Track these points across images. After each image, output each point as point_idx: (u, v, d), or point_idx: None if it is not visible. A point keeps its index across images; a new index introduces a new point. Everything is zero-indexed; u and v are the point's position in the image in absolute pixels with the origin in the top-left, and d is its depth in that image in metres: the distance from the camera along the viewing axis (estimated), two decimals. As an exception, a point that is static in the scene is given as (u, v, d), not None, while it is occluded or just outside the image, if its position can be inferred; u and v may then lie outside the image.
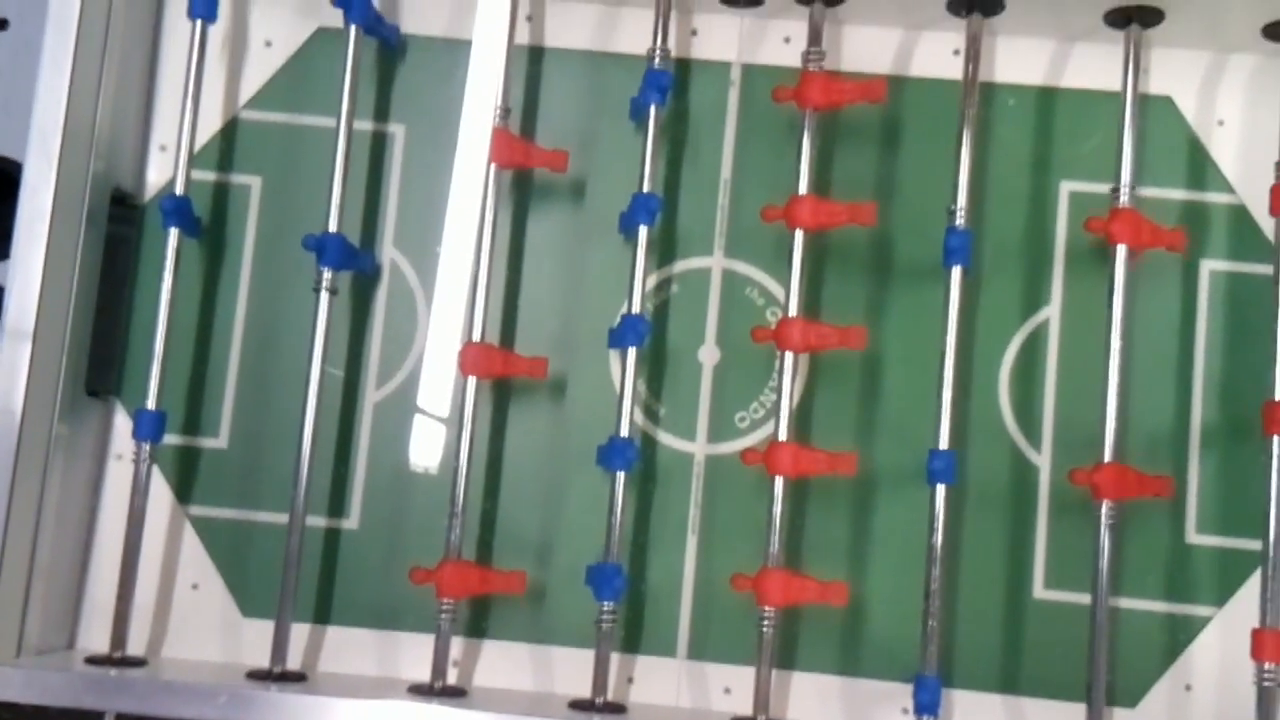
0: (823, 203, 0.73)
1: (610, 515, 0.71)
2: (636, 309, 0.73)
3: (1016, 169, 0.78)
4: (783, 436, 0.71)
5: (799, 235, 0.73)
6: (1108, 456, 0.70)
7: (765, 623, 0.70)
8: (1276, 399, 0.70)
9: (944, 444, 0.70)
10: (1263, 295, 0.73)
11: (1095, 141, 0.77)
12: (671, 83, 0.75)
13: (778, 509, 0.70)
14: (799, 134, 0.73)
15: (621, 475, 0.71)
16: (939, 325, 0.72)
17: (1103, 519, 0.70)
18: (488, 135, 0.74)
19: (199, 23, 0.75)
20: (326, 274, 0.73)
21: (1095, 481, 0.70)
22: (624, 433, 0.72)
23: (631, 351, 0.72)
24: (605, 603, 0.71)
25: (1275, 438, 0.70)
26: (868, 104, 0.74)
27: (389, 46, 0.79)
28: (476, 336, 0.73)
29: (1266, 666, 0.68)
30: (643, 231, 0.73)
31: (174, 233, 0.74)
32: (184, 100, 0.75)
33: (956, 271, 0.72)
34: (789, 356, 0.72)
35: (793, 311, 0.72)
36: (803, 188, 0.73)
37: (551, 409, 0.77)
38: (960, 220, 0.72)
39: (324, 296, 0.73)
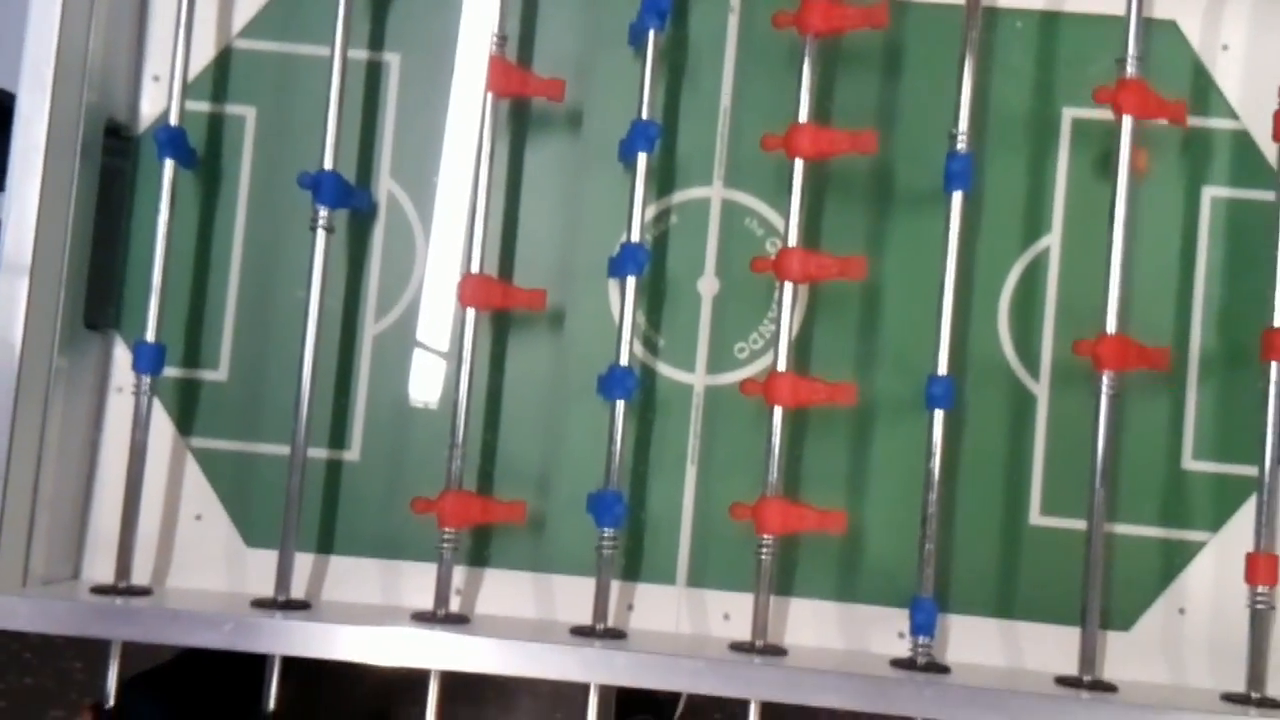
0: (823, 131, 0.73)
1: (610, 444, 0.72)
2: (636, 238, 0.73)
3: (1019, 95, 0.77)
4: (782, 367, 0.71)
5: (799, 164, 0.72)
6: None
7: (764, 550, 0.70)
8: (1276, 325, 0.71)
9: (942, 370, 0.71)
10: (1265, 222, 0.73)
11: (1098, 68, 0.76)
12: (670, 7, 0.74)
13: (776, 439, 0.71)
14: (799, 61, 0.72)
15: (621, 404, 0.72)
16: (939, 254, 0.72)
17: (1104, 390, 0.70)
18: (484, 63, 0.74)
19: (191, -50, 0.74)
20: (323, 212, 0.72)
21: (1097, 352, 0.70)
22: (624, 362, 0.72)
23: (631, 281, 0.72)
24: (606, 529, 0.71)
25: (1274, 364, 0.70)
26: (869, 30, 0.73)
27: None
28: (475, 268, 0.73)
29: (1259, 590, 0.69)
30: (642, 159, 0.73)
31: (169, 164, 0.74)
32: (177, 29, 0.74)
33: (957, 197, 0.72)
34: (788, 287, 0.72)
35: (792, 242, 0.72)
36: (803, 116, 0.72)
37: (551, 340, 0.77)
38: (961, 145, 0.72)
39: (320, 235, 0.72)
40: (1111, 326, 0.71)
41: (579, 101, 0.78)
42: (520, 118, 0.78)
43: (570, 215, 0.78)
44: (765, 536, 0.70)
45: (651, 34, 0.73)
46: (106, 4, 0.74)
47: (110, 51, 0.75)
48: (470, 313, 0.72)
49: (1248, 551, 0.70)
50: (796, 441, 0.75)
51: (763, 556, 0.70)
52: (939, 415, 0.70)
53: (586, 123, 0.78)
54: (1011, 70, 0.77)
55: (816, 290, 0.76)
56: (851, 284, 0.75)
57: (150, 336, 0.73)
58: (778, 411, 0.71)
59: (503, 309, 0.76)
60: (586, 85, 0.78)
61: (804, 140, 0.72)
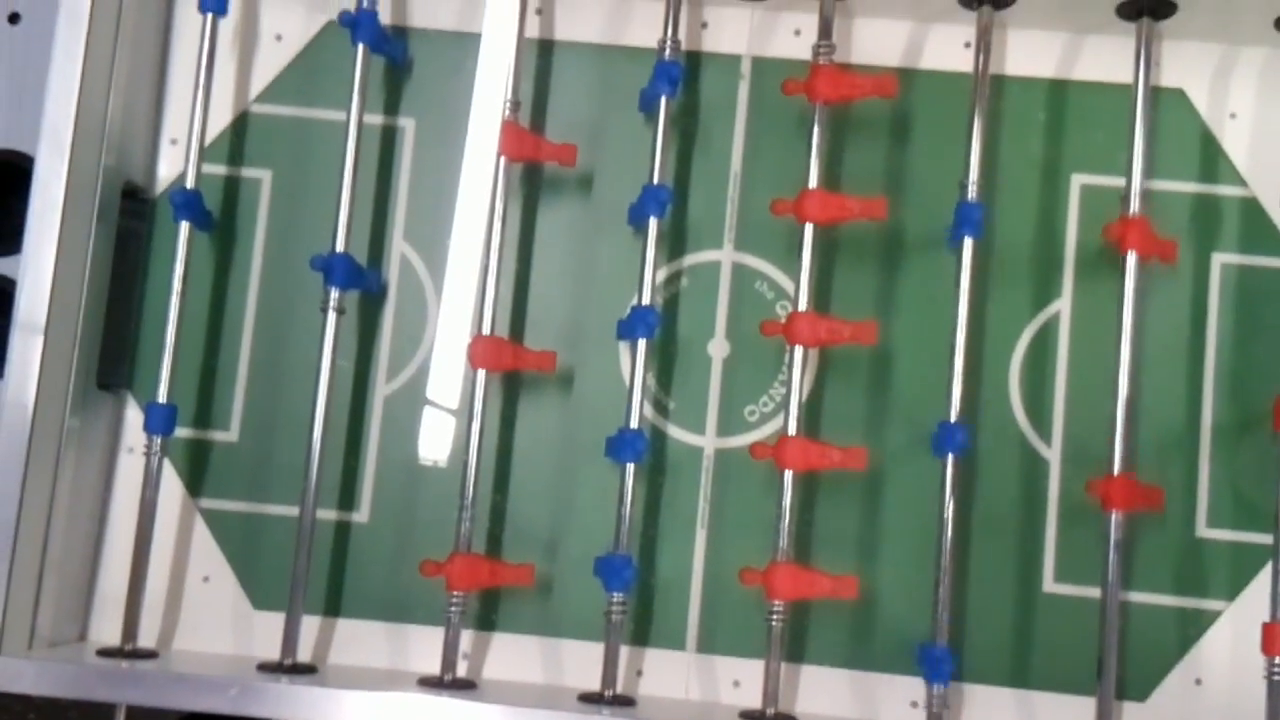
0: (832, 197, 0.73)
1: (620, 507, 0.71)
2: (646, 300, 0.73)
3: (1027, 162, 0.78)
4: (792, 430, 0.71)
5: (809, 229, 0.72)
6: (1117, 465, 0.70)
7: (774, 617, 0.70)
8: (1288, 393, 0.71)
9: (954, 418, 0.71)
10: (1274, 289, 0.74)
11: (1106, 135, 0.77)
12: (682, 74, 0.75)
13: (787, 503, 0.70)
14: (809, 127, 0.73)
15: (631, 467, 0.71)
16: (949, 317, 0.72)
17: (1112, 531, 0.70)
18: (497, 128, 0.74)
19: (209, 16, 0.75)
20: (334, 294, 0.73)
21: (1106, 493, 0.70)
22: (634, 424, 0.72)
23: (641, 343, 0.72)
24: (615, 594, 0.71)
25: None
26: (878, 98, 0.74)
27: (395, 64, 0.79)
28: (486, 330, 0.73)
29: (1277, 661, 0.68)
30: (652, 223, 0.73)
31: (185, 226, 0.74)
32: (195, 93, 0.75)
33: (968, 251, 0.72)
34: (798, 350, 0.72)
35: (802, 305, 0.72)
36: (813, 181, 0.73)
37: (561, 402, 0.77)
38: (972, 194, 0.72)
39: (331, 316, 0.73)
40: (1118, 463, 0.70)
41: (590, 165, 0.78)
42: (532, 181, 0.79)
43: (581, 278, 0.78)
44: (776, 603, 0.70)
45: (663, 100, 0.74)
46: (126, 68, 0.75)
47: (129, 114, 0.76)
48: (481, 374, 0.72)
49: (1264, 621, 0.69)
50: (807, 505, 0.75)
51: (773, 623, 0.70)
52: (949, 460, 0.70)
53: (598, 186, 0.79)
54: (1020, 138, 0.78)
55: (827, 353, 0.76)
56: (862, 347, 0.75)
57: (162, 397, 0.73)
58: (788, 475, 0.71)
59: (513, 370, 0.76)
60: (598, 149, 0.78)
61: (814, 206, 0.72)
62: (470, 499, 0.72)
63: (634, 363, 0.73)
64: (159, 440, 0.73)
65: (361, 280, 0.75)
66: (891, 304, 0.77)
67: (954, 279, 0.72)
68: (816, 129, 0.73)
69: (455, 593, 0.71)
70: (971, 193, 0.72)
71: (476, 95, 0.79)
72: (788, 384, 0.72)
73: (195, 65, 0.76)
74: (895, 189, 0.77)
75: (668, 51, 0.74)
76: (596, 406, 0.76)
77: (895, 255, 0.77)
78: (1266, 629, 0.69)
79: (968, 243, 0.72)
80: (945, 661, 0.69)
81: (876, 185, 0.77)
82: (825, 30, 0.74)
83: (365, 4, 0.75)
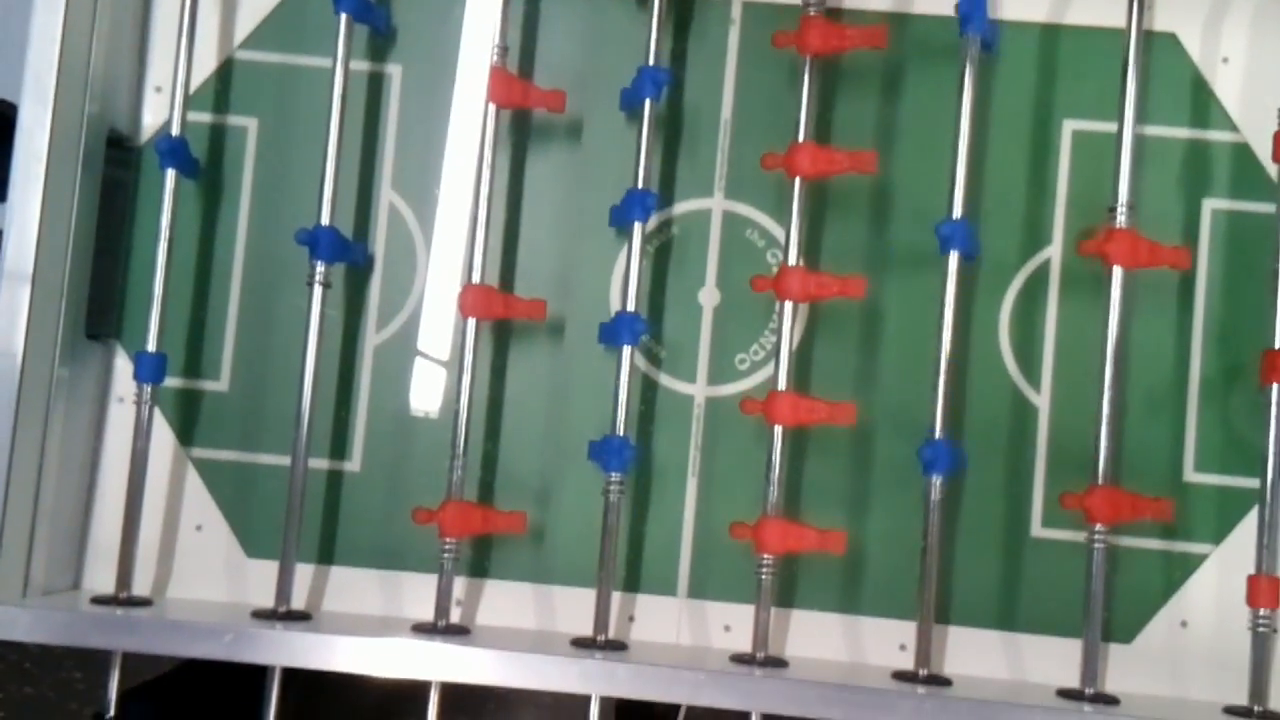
0: (823, 150, 0.73)
1: (616, 393, 0.71)
2: (642, 184, 0.73)
3: (1019, 108, 0.77)
4: (782, 384, 0.72)
5: (798, 183, 0.72)
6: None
7: (764, 570, 0.70)
8: (1276, 347, 0.70)
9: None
10: (1265, 234, 0.73)
11: (1098, 80, 0.76)
12: (669, 79, 0.75)
13: (776, 458, 0.71)
14: (799, 79, 0.73)
15: (627, 350, 0.72)
16: (940, 267, 0.72)
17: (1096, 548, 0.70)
18: (485, 75, 0.74)
19: (193, -38, 0.75)
20: (320, 268, 0.73)
21: (1086, 505, 0.70)
22: (630, 307, 0.72)
23: (637, 228, 0.73)
24: (613, 474, 0.71)
25: (1275, 385, 0.70)
26: (873, 39, 0.73)
27: (378, 34, 0.78)
28: (476, 279, 0.73)
29: (1261, 612, 0.69)
30: (647, 105, 0.73)
31: (171, 174, 0.74)
32: (179, 40, 0.75)
33: (973, 43, 0.72)
34: (788, 305, 0.72)
35: (793, 259, 0.72)
36: (802, 135, 0.72)
37: (552, 350, 0.77)
38: (957, 211, 0.72)
39: (318, 290, 0.72)
40: (1102, 477, 0.70)
41: (580, 110, 0.78)
42: (521, 129, 0.78)
43: (571, 224, 0.78)
44: (765, 556, 0.70)
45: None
46: (108, 15, 0.74)
47: (112, 62, 0.76)
48: (471, 323, 0.72)
49: (1249, 574, 0.70)
50: (797, 456, 0.75)
51: (763, 576, 0.70)
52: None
53: (587, 131, 0.78)
54: (1012, 83, 0.77)
55: (817, 304, 0.76)
56: (852, 299, 0.75)
57: (151, 347, 0.73)
58: (778, 430, 0.71)
59: (504, 319, 0.76)
60: (588, 94, 0.78)
61: (804, 159, 0.72)
62: (462, 447, 0.72)
63: (629, 251, 0.72)
64: (149, 389, 0.73)
65: (347, 253, 0.75)
66: (882, 255, 0.77)
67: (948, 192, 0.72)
68: (806, 81, 0.72)
69: (448, 539, 0.71)
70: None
71: (464, 42, 0.79)
72: (777, 338, 0.72)
73: (179, 11, 0.75)
74: (886, 136, 0.77)
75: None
76: (587, 354, 0.76)
77: (886, 205, 0.77)
78: (1251, 581, 0.69)
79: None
80: (944, 450, 0.70)
81: (867, 132, 0.77)
82: (816, -21, 0.74)
83: None
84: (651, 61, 0.74)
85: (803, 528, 0.71)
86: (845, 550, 0.71)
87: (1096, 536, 0.70)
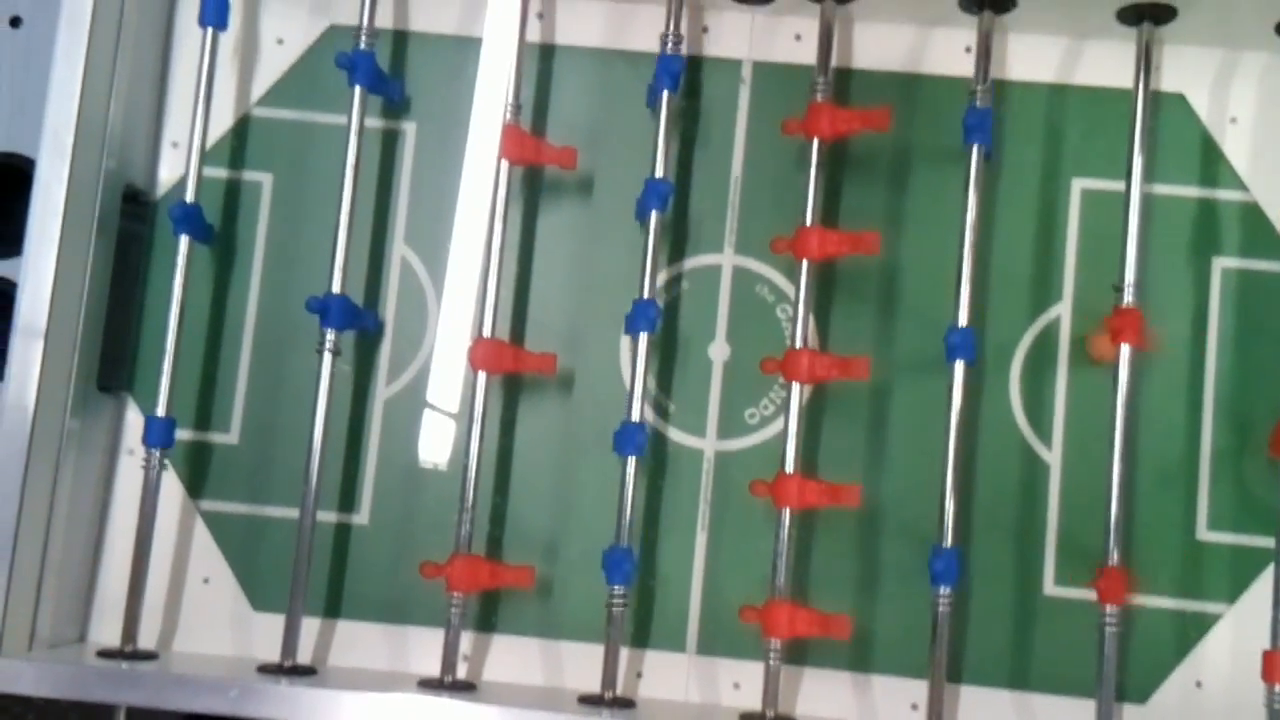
0: (829, 233, 0.73)
1: (621, 502, 0.71)
2: (648, 294, 0.73)
3: (1028, 166, 0.78)
4: (790, 468, 0.71)
5: (806, 265, 0.72)
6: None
7: (772, 654, 0.70)
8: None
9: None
10: (1275, 292, 0.73)
11: (1107, 139, 0.77)
12: (684, 67, 0.75)
13: (785, 538, 0.70)
14: (806, 162, 0.73)
15: (632, 461, 0.71)
16: (949, 323, 0.72)
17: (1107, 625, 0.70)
18: (498, 132, 0.75)
19: (210, 29, 0.76)
20: (330, 335, 0.73)
21: (1099, 586, 0.70)
22: (635, 418, 0.72)
23: (643, 337, 0.72)
24: (616, 587, 0.71)
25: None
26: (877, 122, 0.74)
27: (392, 103, 0.79)
28: (487, 332, 0.73)
29: (1277, 689, 0.67)
30: (654, 217, 0.73)
31: (184, 239, 0.74)
32: (196, 97, 0.75)
33: (976, 152, 0.72)
34: (795, 387, 0.72)
35: (799, 342, 0.72)
36: (810, 217, 0.73)
37: (561, 405, 0.77)
38: (980, 101, 0.72)
39: (327, 358, 0.73)
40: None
41: (591, 169, 0.79)
42: (533, 185, 0.79)
43: (582, 280, 0.78)
44: (773, 640, 0.70)
45: (665, 96, 0.74)
46: (127, 71, 0.75)
47: (130, 118, 0.77)
48: (482, 376, 0.73)
49: (1265, 649, 0.68)
50: (806, 528, 0.74)
51: (771, 660, 0.70)
52: (959, 367, 0.71)
53: (598, 190, 0.79)
54: (1021, 142, 0.78)
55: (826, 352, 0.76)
56: (863, 347, 0.75)
57: (163, 400, 0.73)
58: (785, 513, 0.71)
59: (514, 373, 0.76)
60: (599, 153, 0.79)
61: (811, 243, 0.72)
62: (470, 500, 0.72)
63: (635, 358, 0.73)
64: (158, 453, 0.73)
65: (358, 319, 0.76)
66: (890, 329, 0.77)
67: (954, 295, 0.72)
68: (814, 162, 0.73)
69: (455, 594, 0.71)
70: (980, 100, 0.72)
71: (478, 99, 0.80)
72: (785, 418, 0.72)
73: (196, 70, 0.76)
74: (896, 202, 0.77)
75: (669, 46, 0.74)
76: (597, 408, 0.76)
77: (894, 277, 0.77)
78: (1267, 656, 0.68)
79: (975, 150, 0.72)
80: (952, 562, 0.69)
81: (876, 210, 0.77)
82: (825, 43, 0.74)
83: (363, 44, 0.75)
84: (664, 115, 0.74)
85: (810, 612, 0.70)
86: (850, 636, 0.70)
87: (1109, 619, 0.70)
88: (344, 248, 0.74)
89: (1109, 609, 0.70)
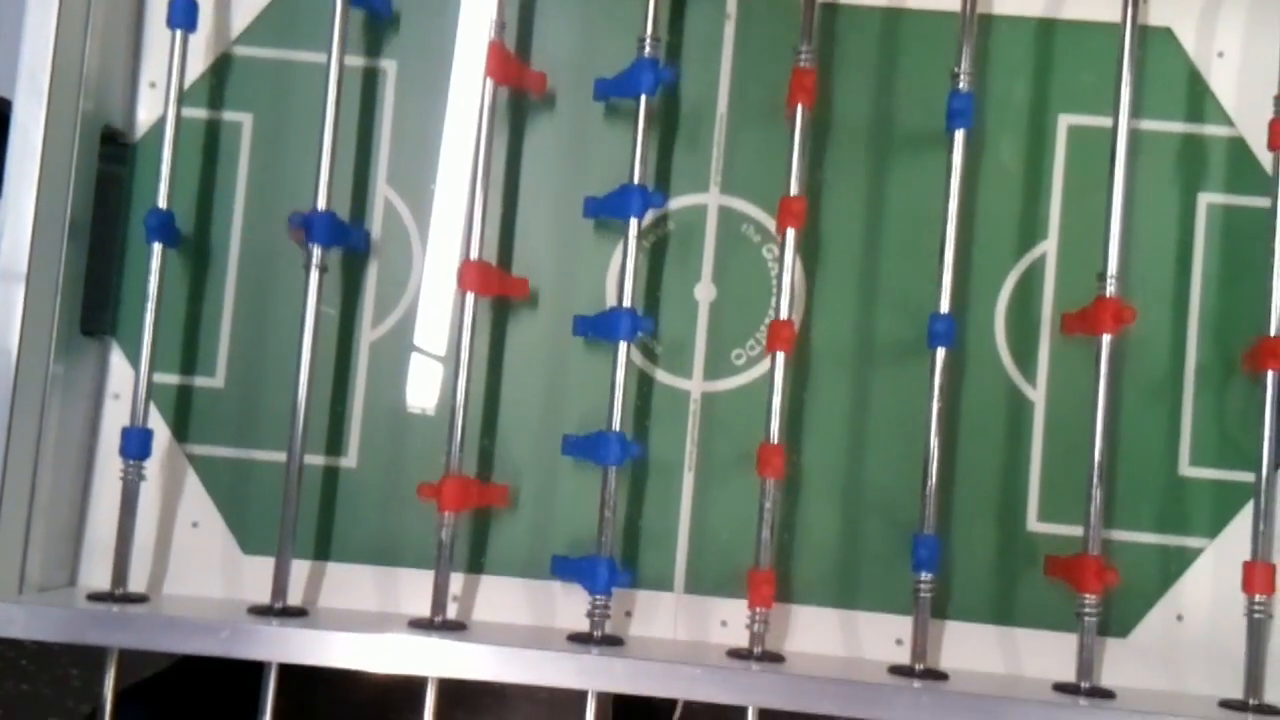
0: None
1: (602, 512, 0.71)
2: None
3: (1014, 102, 0.77)
4: (774, 439, 0.71)
5: (790, 234, 0.72)
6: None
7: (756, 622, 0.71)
8: (1272, 334, 0.71)
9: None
10: (1260, 229, 0.73)
11: (1093, 75, 0.77)
12: (666, 75, 0.75)
13: (769, 499, 0.71)
14: (791, 132, 0.73)
15: (614, 471, 0.71)
16: (934, 258, 0.72)
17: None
18: (483, 50, 0.73)
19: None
20: (316, 252, 0.72)
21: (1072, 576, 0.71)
22: (616, 427, 0.72)
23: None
24: (598, 596, 0.71)
25: (1270, 373, 0.70)
26: (865, 37, 0.73)
27: (380, 15, 0.78)
28: (474, 255, 0.73)
29: (1257, 599, 0.69)
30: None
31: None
32: (173, 36, 0.74)
33: (959, 136, 0.72)
34: (779, 355, 0.72)
35: (783, 313, 0.73)
36: (794, 188, 0.73)
37: (548, 343, 0.77)
38: (964, 84, 0.72)
39: (314, 274, 0.72)
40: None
41: (576, 103, 0.78)
42: (518, 122, 0.78)
43: (567, 217, 0.78)
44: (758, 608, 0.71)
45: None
46: (102, 11, 0.74)
47: (106, 58, 0.75)
48: (469, 310, 0.72)
49: (1245, 560, 0.70)
50: (793, 449, 0.75)
51: (755, 628, 0.71)
52: (940, 353, 0.71)
53: (583, 124, 0.78)
54: (1007, 78, 0.77)
55: (813, 301, 0.76)
56: (847, 301, 0.76)
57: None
58: (770, 483, 0.71)
59: (500, 295, 0.76)
60: (583, 87, 0.77)
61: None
62: (460, 424, 0.72)
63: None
64: (135, 465, 0.73)
65: (346, 237, 0.75)
66: (877, 249, 0.76)
67: (941, 231, 0.72)
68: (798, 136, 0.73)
69: (447, 513, 0.71)
70: (964, 83, 0.72)
71: (459, 37, 0.79)
72: (769, 389, 0.72)
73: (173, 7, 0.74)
74: (883, 134, 0.77)
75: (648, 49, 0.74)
76: (584, 347, 0.76)
77: (882, 196, 0.77)
78: (1247, 567, 0.70)
79: (959, 136, 0.72)
80: (934, 550, 0.70)
81: (862, 132, 0.77)
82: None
83: None
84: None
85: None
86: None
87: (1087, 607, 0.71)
88: (326, 183, 0.73)
89: (1088, 599, 0.70)
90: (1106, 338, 0.71)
